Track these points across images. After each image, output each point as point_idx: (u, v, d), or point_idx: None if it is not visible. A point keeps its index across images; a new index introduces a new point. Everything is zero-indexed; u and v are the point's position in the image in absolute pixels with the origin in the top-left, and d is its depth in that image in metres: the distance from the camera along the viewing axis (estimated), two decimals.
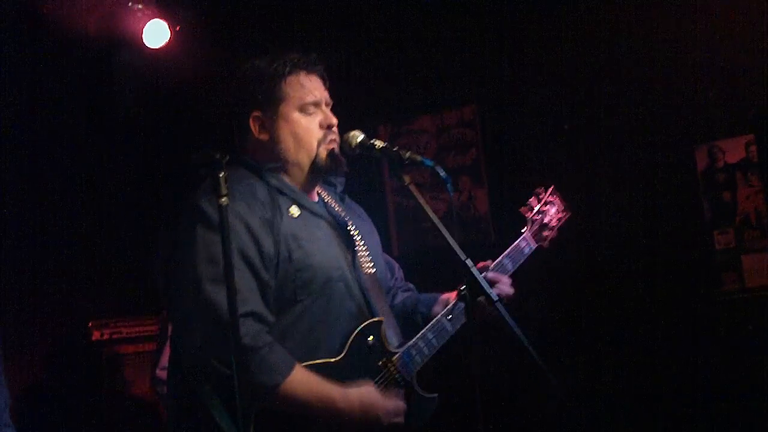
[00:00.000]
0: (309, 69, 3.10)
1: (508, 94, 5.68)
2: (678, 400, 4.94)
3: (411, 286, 3.53)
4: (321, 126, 3.07)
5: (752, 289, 5.03)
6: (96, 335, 5.54)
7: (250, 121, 3.05)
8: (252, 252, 2.80)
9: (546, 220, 3.51)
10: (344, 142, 3.04)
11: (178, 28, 5.78)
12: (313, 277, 2.90)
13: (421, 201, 2.89)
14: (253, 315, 2.73)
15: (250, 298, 2.74)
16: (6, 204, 5.52)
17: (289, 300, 2.86)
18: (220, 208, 2.42)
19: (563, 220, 3.58)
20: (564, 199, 3.61)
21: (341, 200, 3.28)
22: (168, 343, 4.38)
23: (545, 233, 3.51)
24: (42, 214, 5.73)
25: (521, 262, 3.42)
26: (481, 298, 2.76)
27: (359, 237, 3.19)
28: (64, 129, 5.94)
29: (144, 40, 5.73)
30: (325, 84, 3.14)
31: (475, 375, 2.67)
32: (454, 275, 3.70)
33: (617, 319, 5.15)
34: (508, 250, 3.39)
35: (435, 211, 5.66)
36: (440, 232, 2.85)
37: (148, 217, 6.09)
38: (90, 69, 6.00)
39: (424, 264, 5.13)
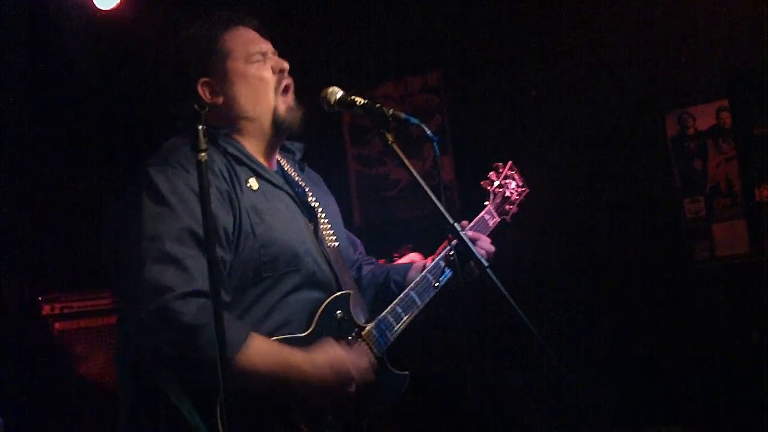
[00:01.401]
0: (245, 23, 2.94)
1: (473, 59, 5.54)
2: (650, 369, 4.87)
3: (374, 260, 3.38)
4: (273, 71, 2.90)
5: (723, 257, 4.96)
6: (46, 309, 5.31)
7: (199, 89, 2.85)
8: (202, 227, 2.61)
9: (507, 194, 3.45)
10: (322, 99, 2.86)
11: None
12: (279, 252, 2.72)
13: (406, 162, 2.73)
14: (196, 293, 2.51)
15: (197, 277, 2.52)
16: None
17: (253, 277, 2.68)
18: (199, 165, 2.23)
19: (523, 195, 3.51)
20: (522, 174, 3.54)
21: (300, 169, 3.11)
22: None
23: (507, 207, 3.44)
24: None
25: (486, 234, 3.29)
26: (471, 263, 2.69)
27: (320, 209, 3.02)
28: (10, 94, 5.71)
29: (94, 1, 5.51)
30: (263, 35, 2.98)
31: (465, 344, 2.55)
32: (418, 247, 3.58)
33: (587, 290, 5.05)
34: (473, 222, 3.28)
35: (398, 180, 5.61)
36: (426, 193, 2.72)
37: (98, 186, 5.88)
38: (35, 29, 5.77)
39: (387, 234, 5.01)
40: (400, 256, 4.09)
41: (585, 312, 5.01)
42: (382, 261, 3.53)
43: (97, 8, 5.53)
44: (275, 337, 2.64)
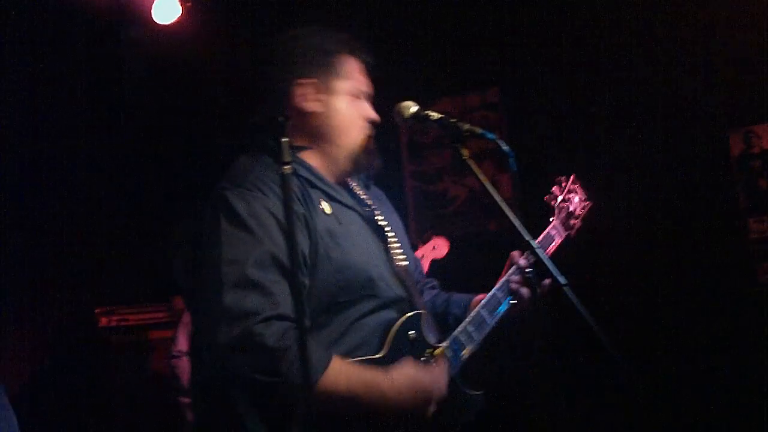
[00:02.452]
0: (363, 56, 2.93)
1: (532, 75, 5.48)
2: (713, 390, 4.77)
3: (435, 282, 3.34)
4: (366, 118, 2.89)
5: None
6: (103, 322, 5.38)
7: (298, 87, 2.81)
8: (284, 252, 2.55)
9: (572, 209, 3.39)
10: (396, 114, 2.84)
11: (189, 4, 5.59)
12: (354, 277, 2.68)
13: (482, 177, 2.70)
14: (279, 317, 2.48)
15: (281, 301, 2.50)
16: (11, 188, 5.35)
17: (328, 301, 2.65)
18: (284, 178, 2.20)
19: (587, 209, 3.46)
20: (585, 187, 3.48)
21: (366, 187, 3.08)
22: (180, 329, 4.22)
23: (572, 222, 3.38)
24: (48, 198, 5.55)
25: (552, 250, 3.26)
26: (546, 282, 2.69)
27: (388, 228, 2.98)
28: (68, 108, 5.76)
29: (153, 16, 5.55)
30: (369, 77, 2.96)
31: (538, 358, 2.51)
32: (475, 264, 3.54)
33: (649, 312, 4.96)
34: (540, 238, 3.22)
35: (456, 197, 5.58)
36: (503, 210, 2.69)
37: (156, 202, 5.91)
38: (96, 45, 5.81)
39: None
40: (424, 243, 4.04)
41: (647, 333, 4.92)
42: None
43: (156, 23, 5.57)
44: (350, 360, 2.59)
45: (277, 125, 2.27)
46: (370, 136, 2.88)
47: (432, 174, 5.71)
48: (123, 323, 5.43)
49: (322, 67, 2.83)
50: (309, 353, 2.36)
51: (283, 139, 2.24)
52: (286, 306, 2.49)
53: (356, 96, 2.87)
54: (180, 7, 5.57)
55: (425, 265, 4.03)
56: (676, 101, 5.08)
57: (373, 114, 2.90)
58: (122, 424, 5.26)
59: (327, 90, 2.83)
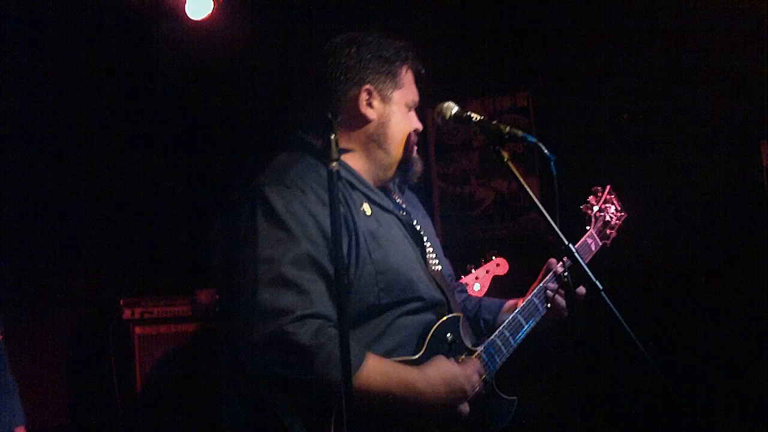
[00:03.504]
0: (416, 66, 2.94)
1: (563, 79, 5.46)
2: (755, 404, 4.75)
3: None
4: (412, 128, 2.91)
5: None
6: (127, 313, 5.36)
7: (362, 92, 2.82)
8: (322, 252, 2.57)
9: (607, 218, 3.43)
10: (437, 114, 2.87)
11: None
12: (394, 279, 2.69)
13: (521, 179, 2.70)
14: (314, 315, 2.50)
15: (316, 300, 2.51)
16: (37, 178, 5.37)
17: (371, 302, 2.65)
18: (330, 174, 2.20)
19: (622, 220, 3.49)
20: (620, 199, 3.52)
21: (401, 191, 3.09)
22: None
23: (608, 231, 3.43)
24: (75, 189, 5.56)
25: (588, 259, 3.29)
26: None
27: (423, 232, 2.99)
28: (100, 101, 5.77)
29: (186, 12, 5.55)
30: (417, 87, 2.99)
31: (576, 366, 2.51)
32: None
33: (683, 319, 4.96)
34: (577, 245, 3.21)
35: (482, 200, 5.56)
36: (541, 212, 2.66)
37: (185, 197, 5.92)
38: (130, 40, 5.83)
39: (469, 254, 4.93)
40: (486, 261, 4.07)
41: (681, 351, 4.89)
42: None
43: (189, 18, 5.58)
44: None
45: (327, 122, 2.26)
46: (415, 145, 2.91)
47: (459, 176, 5.70)
48: (147, 315, 5.42)
49: (383, 75, 2.85)
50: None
51: (332, 136, 2.24)
52: (322, 305, 2.51)
53: (408, 106, 2.90)
54: (212, 3, 5.57)
55: (487, 282, 4.16)
56: (707, 110, 5.05)
57: (419, 125, 2.94)
58: (144, 415, 5.26)
59: (385, 98, 2.85)
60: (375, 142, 2.84)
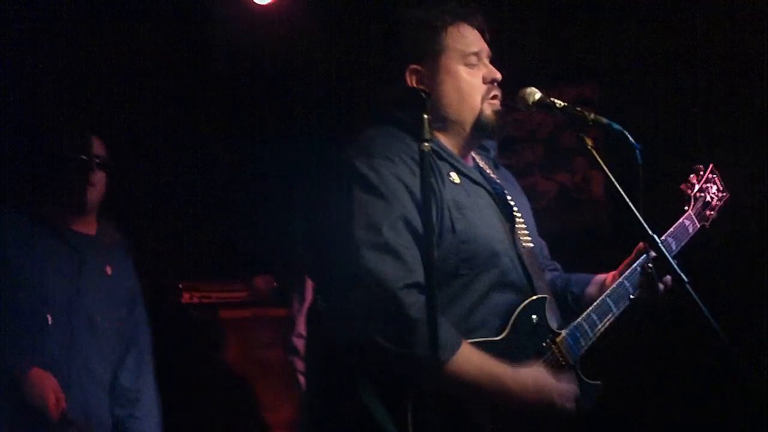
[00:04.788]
0: (469, 19, 2.88)
1: (632, 74, 5.36)
2: None
3: (557, 265, 3.29)
4: (485, 80, 2.84)
5: None
6: (186, 297, 5.36)
7: (407, 75, 2.81)
8: (416, 218, 2.55)
9: (708, 199, 3.33)
10: (519, 100, 2.83)
11: None
12: (477, 249, 2.66)
13: (604, 168, 2.68)
14: (418, 286, 2.47)
15: (416, 269, 2.49)
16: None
17: (450, 273, 2.61)
18: (423, 155, 2.18)
19: (724, 200, 3.39)
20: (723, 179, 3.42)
21: (495, 166, 3.04)
22: (304, 309, 4.21)
23: (707, 213, 3.33)
24: (131, 173, 5.55)
25: (685, 242, 3.20)
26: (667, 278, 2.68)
27: (516, 208, 2.95)
28: (158, 85, 5.76)
29: None
30: (484, 36, 2.92)
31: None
32: (563, 261, 3.47)
33: None
34: (672, 228, 3.17)
35: (545, 192, 5.48)
36: (626, 203, 2.61)
37: (243, 182, 5.90)
38: (189, 23, 5.82)
39: None
40: None
41: None
42: None
43: (254, 3, 5.56)
44: (471, 340, 2.56)
45: (420, 100, 2.25)
46: (495, 96, 2.84)
47: (522, 168, 5.62)
48: (205, 300, 5.40)
49: (428, 47, 2.82)
50: (441, 332, 2.35)
51: (424, 116, 2.21)
52: (420, 274, 2.47)
53: (470, 63, 2.82)
54: None
55: None
56: None
57: (493, 73, 2.85)
58: (201, 401, 5.24)
59: (433, 71, 2.80)
60: (443, 114, 2.79)
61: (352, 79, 5.41)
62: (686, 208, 3.25)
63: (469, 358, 2.48)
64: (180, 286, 5.34)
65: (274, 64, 5.82)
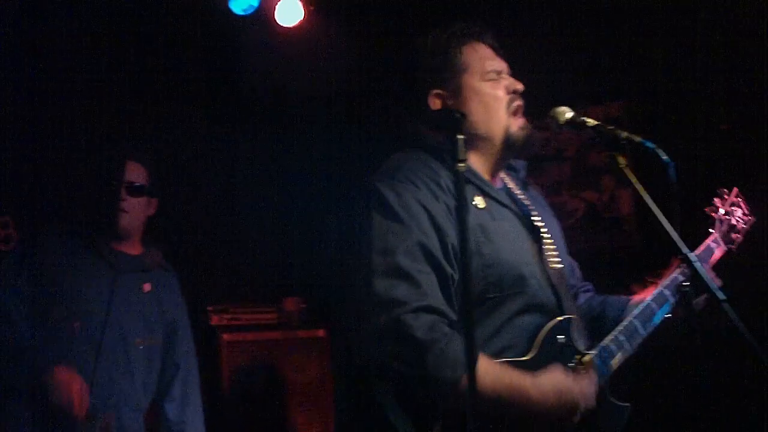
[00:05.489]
0: (481, 37, 2.92)
1: (658, 90, 5.33)
2: None
3: (590, 286, 3.27)
4: (507, 91, 2.86)
5: None
6: (215, 320, 5.38)
7: (430, 100, 2.84)
8: (434, 244, 2.57)
9: (734, 222, 3.33)
10: (550, 119, 2.84)
11: (312, 7, 5.60)
12: (503, 273, 2.66)
13: (638, 186, 2.67)
14: (428, 309, 2.48)
15: (429, 293, 2.51)
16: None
17: (477, 296, 2.61)
18: (457, 175, 2.19)
19: (749, 224, 3.39)
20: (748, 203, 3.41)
21: (524, 187, 3.04)
22: None
23: (733, 236, 3.33)
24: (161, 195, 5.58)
25: (711, 264, 3.19)
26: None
27: (545, 229, 2.94)
28: (187, 106, 5.80)
29: (276, 18, 5.58)
30: (498, 53, 2.94)
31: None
32: (592, 280, 3.46)
33: None
34: (699, 250, 3.15)
35: (574, 211, 5.46)
36: (659, 220, 2.61)
37: (271, 204, 5.92)
38: (217, 44, 5.87)
39: None
40: (642, 288, 3.96)
41: None
42: None
43: (280, 25, 5.60)
44: (498, 361, 2.55)
45: (455, 121, 2.26)
46: (519, 107, 2.86)
47: (550, 186, 5.62)
48: (234, 322, 5.43)
49: (447, 70, 2.85)
50: (456, 348, 2.36)
51: (459, 137, 2.22)
52: (435, 298, 2.50)
53: (490, 78, 2.84)
54: (303, 10, 5.59)
55: None
56: None
57: (514, 84, 2.87)
58: (231, 422, 5.26)
59: (454, 93, 2.84)
60: (470, 131, 2.77)
61: (379, 100, 5.43)
62: (711, 230, 3.24)
63: (487, 371, 2.45)
64: (209, 308, 5.36)
65: (300, 86, 5.84)
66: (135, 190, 4.12)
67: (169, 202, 5.41)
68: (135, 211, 4.15)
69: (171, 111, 5.66)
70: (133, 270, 4.14)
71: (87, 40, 5.19)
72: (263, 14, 5.57)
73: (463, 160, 2.20)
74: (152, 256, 4.27)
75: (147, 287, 4.18)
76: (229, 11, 5.48)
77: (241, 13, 5.49)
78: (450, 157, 2.22)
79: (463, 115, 2.27)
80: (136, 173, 4.15)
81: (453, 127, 2.22)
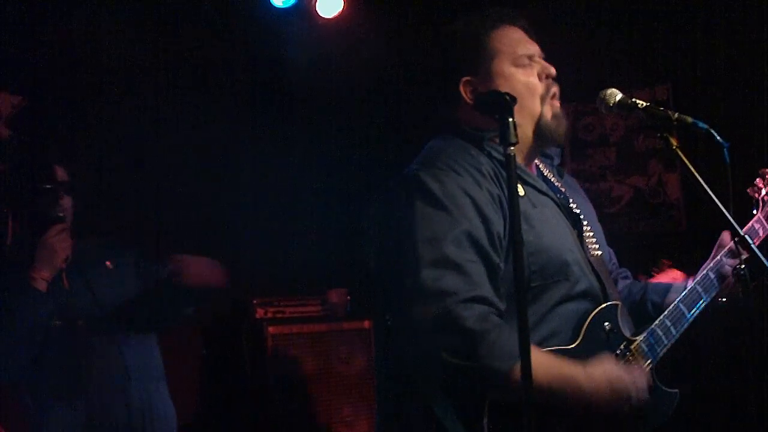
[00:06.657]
0: (514, 23, 2.83)
1: (704, 73, 5.25)
2: None
3: (628, 272, 3.21)
4: (540, 77, 2.77)
5: None
6: (260, 313, 5.39)
7: (461, 88, 2.77)
8: (480, 232, 2.51)
9: None
10: (600, 101, 2.75)
11: None
12: (547, 260, 2.60)
13: (690, 168, 2.59)
14: (478, 299, 2.43)
15: (478, 282, 2.45)
16: (170, 178, 5.43)
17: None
18: (508, 159, 2.16)
19: None
20: None
21: (559, 174, 2.99)
22: None
23: None
24: (205, 188, 5.60)
25: (755, 244, 3.08)
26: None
27: (582, 216, 2.88)
28: (230, 99, 5.82)
29: (317, 9, 5.58)
30: (531, 36, 2.85)
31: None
32: (637, 266, 3.39)
33: None
34: (743, 231, 3.05)
35: (620, 196, 5.39)
36: (712, 202, 2.55)
37: (314, 197, 5.91)
38: (257, 36, 5.87)
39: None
40: (659, 271, 3.90)
41: None
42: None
43: (320, 16, 5.60)
44: (544, 349, 2.51)
45: (505, 104, 2.22)
46: (554, 95, 2.77)
47: (595, 172, 5.55)
48: (279, 315, 5.43)
49: (477, 56, 2.77)
50: (507, 339, 2.32)
51: (509, 119, 2.20)
52: (484, 288, 2.45)
53: (522, 64, 2.76)
54: (343, 1, 5.59)
55: None
56: None
57: (547, 69, 2.78)
58: (278, 415, 5.26)
59: (485, 79, 2.75)
60: None
61: (418, 89, 5.40)
62: (755, 211, 3.14)
63: (539, 362, 2.35)
64: (254, 301, 5.37)
65: (341, 76, 5.83)
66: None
67: (215, 197, 5.49)
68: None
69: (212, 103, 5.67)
70: None
71: (131, 34, 5.21)
72: (303, 6, 5.57)
73: (514, 144, 2.16)
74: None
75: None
76: (270, 4, 5.49)
77: (282, 5, 5.49)
78: (501, 140, 2.19)
79: (513, 98, 2.22)
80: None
81: (503, 109, 2.17)
